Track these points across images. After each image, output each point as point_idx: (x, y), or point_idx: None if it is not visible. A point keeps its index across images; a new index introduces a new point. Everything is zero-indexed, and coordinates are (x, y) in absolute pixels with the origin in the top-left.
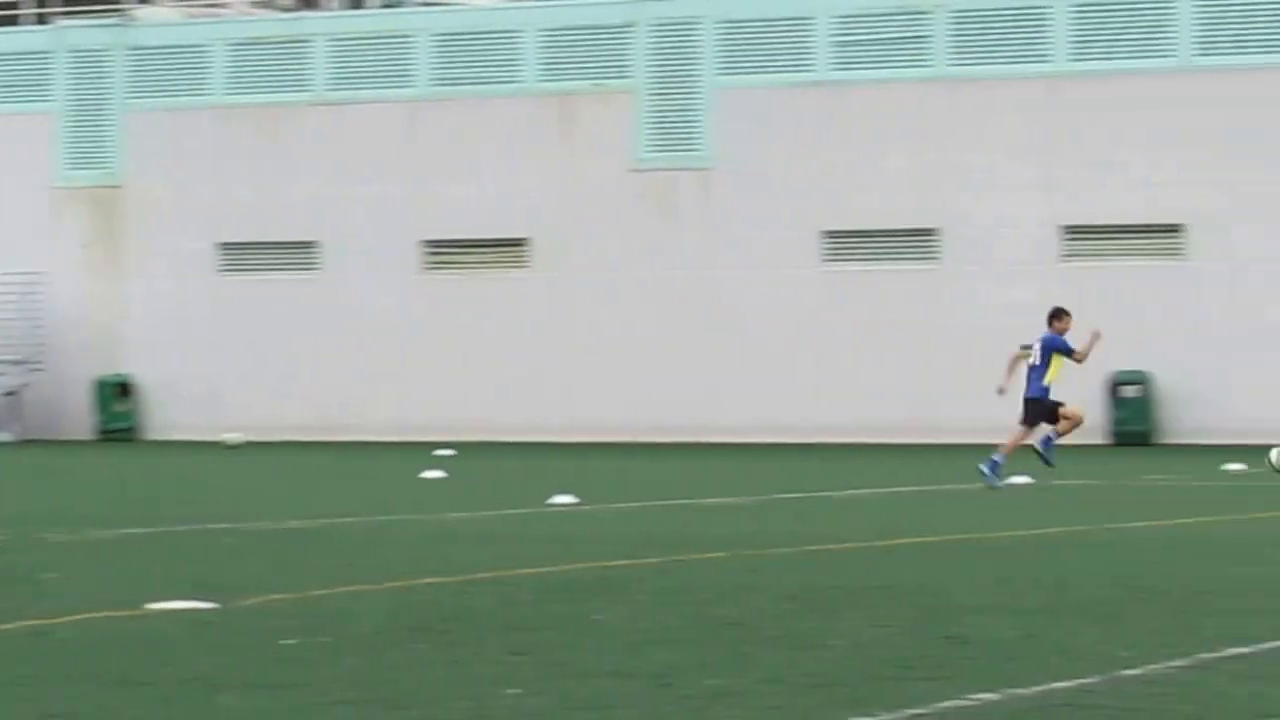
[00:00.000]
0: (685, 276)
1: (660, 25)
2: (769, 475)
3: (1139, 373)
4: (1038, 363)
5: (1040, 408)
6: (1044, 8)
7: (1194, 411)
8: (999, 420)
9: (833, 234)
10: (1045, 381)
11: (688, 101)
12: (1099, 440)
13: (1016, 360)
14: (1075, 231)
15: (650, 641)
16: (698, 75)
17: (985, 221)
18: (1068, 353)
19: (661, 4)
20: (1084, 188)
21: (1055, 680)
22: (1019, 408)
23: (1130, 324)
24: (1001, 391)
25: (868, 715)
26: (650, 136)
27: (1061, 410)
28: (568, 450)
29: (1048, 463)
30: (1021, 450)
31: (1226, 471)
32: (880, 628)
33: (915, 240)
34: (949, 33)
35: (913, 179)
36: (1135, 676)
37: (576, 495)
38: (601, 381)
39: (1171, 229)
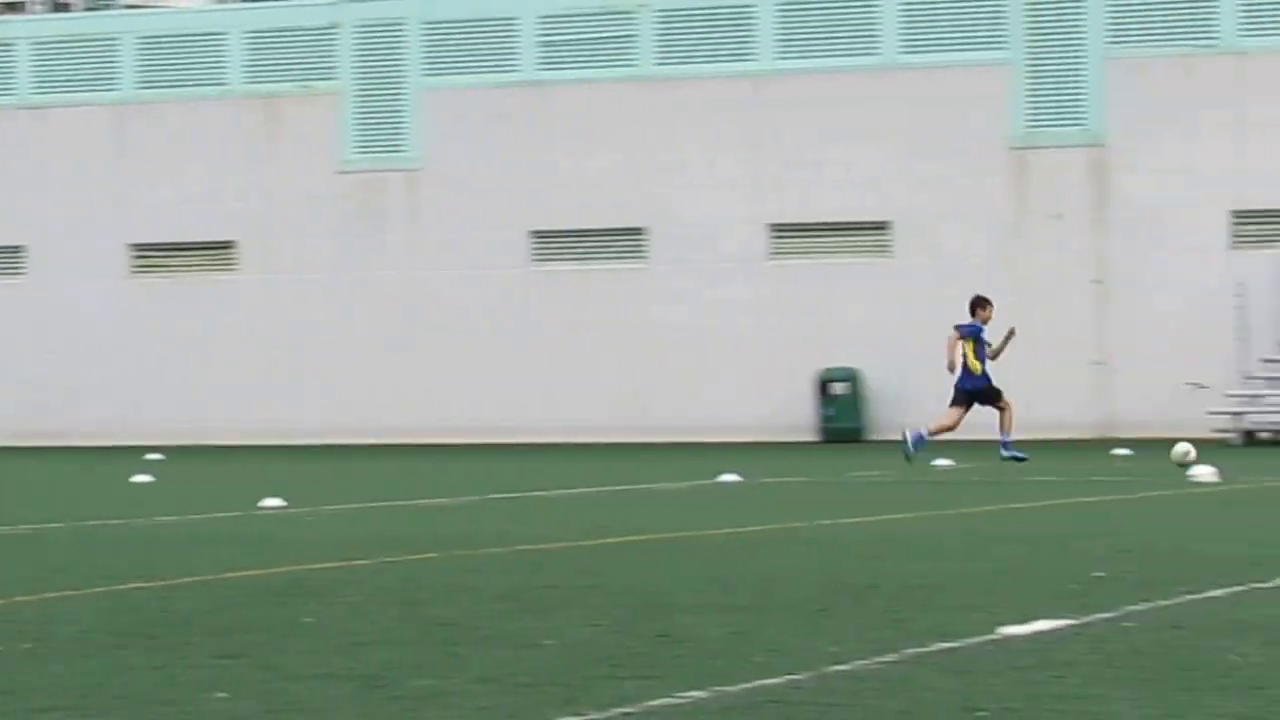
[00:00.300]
0: (394, 277)
1: (365, 26)
2: (481, 475)
3: (847, 370)
4: (965, 354)
5: (983, 394)
6: (749, 7)
7: (902, 408)
8: (708, 418)
9: (540, 234)
10: (975, 371)
11: (394, 102)
12: (809, 437)
13: (999, 350)
14: (783, 230)
15: (362, 643)
16: (404, 76)
17: (693, 220)
18: (973, 343)
19: (366, 5)
20: (791, 186)
21: (764, 677)
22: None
23: (838, 321)
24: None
25: (577, 714)
26: (357, 138)
27: (946, 416)
28: (278, 453)
29: (907, 456)
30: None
31: (935, 468)
32: (592, 627)
33: (623, 239)
34: (654, 33)
35: (620, 178)
36: (843, 672)
37: (286, 498)
38: (312, 384)
39: (878, 226)
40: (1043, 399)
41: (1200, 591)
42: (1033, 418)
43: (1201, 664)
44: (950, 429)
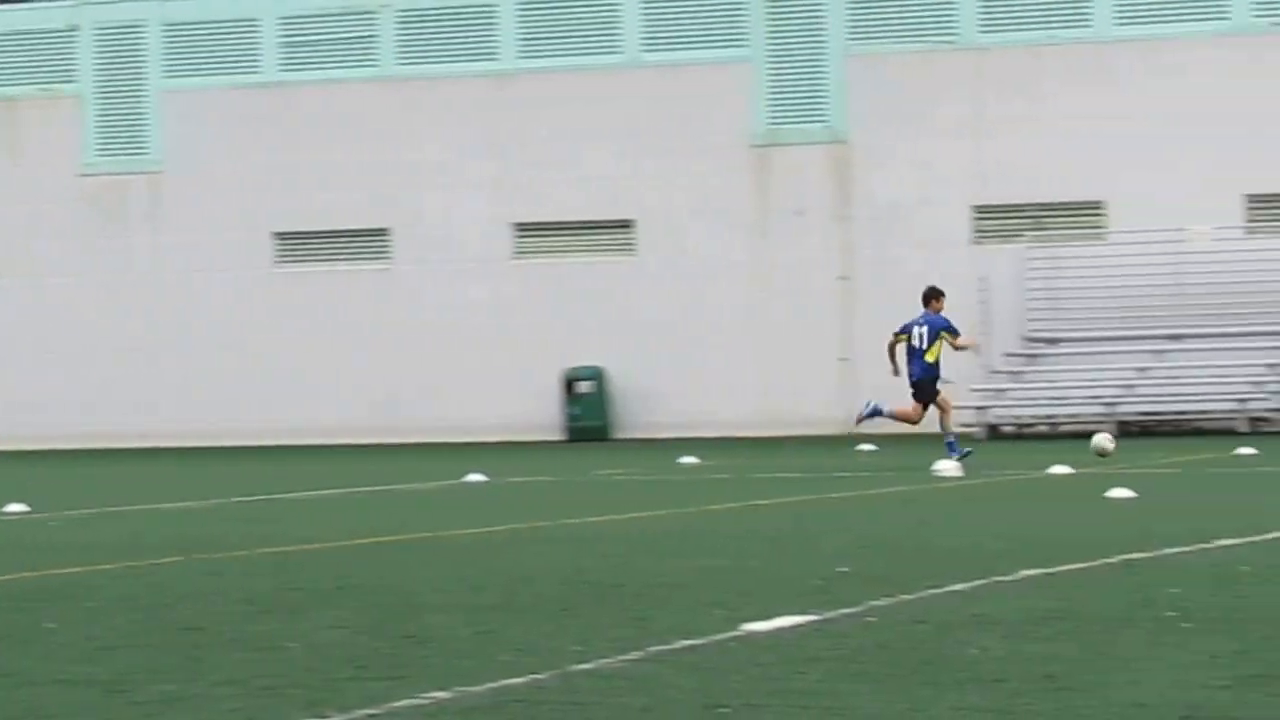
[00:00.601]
0: (137, 280)
1: (105, 28)
2: (228, 478)
3: (594, 368)
4: (923, 344)
5: (929, 386)
6: (490, 7)
7: (648, 406)
8: (455, 419)
9: (285, 235)
10: (930, 359)
11: (135, 105)
12: (555, 436)
13: (895, 345)
14: (527, 229)
15: (103, 648)
16: (144, 78)
17: (437, 220)
18: (954, 333)
19: (105, 7)
20: (535, 185)
21: (509, 677)
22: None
23: (584, 320)
24: (897, 374)
25: (320, 716)
26: (98, 140)
27: (938, 399)
28: (21, 458)
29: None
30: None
31: (680, 465)
32: (338, 628)
33: (368, 240)
34: (395, 33)
35: (364, 179)
36: (587, 671)
37: (29, 503)
38: (55, 388)
39: (622, 225)
40: (788, 395)
41: (942, 586)
42: (779, 414)
43: (943, 658)
44: (916, 421)
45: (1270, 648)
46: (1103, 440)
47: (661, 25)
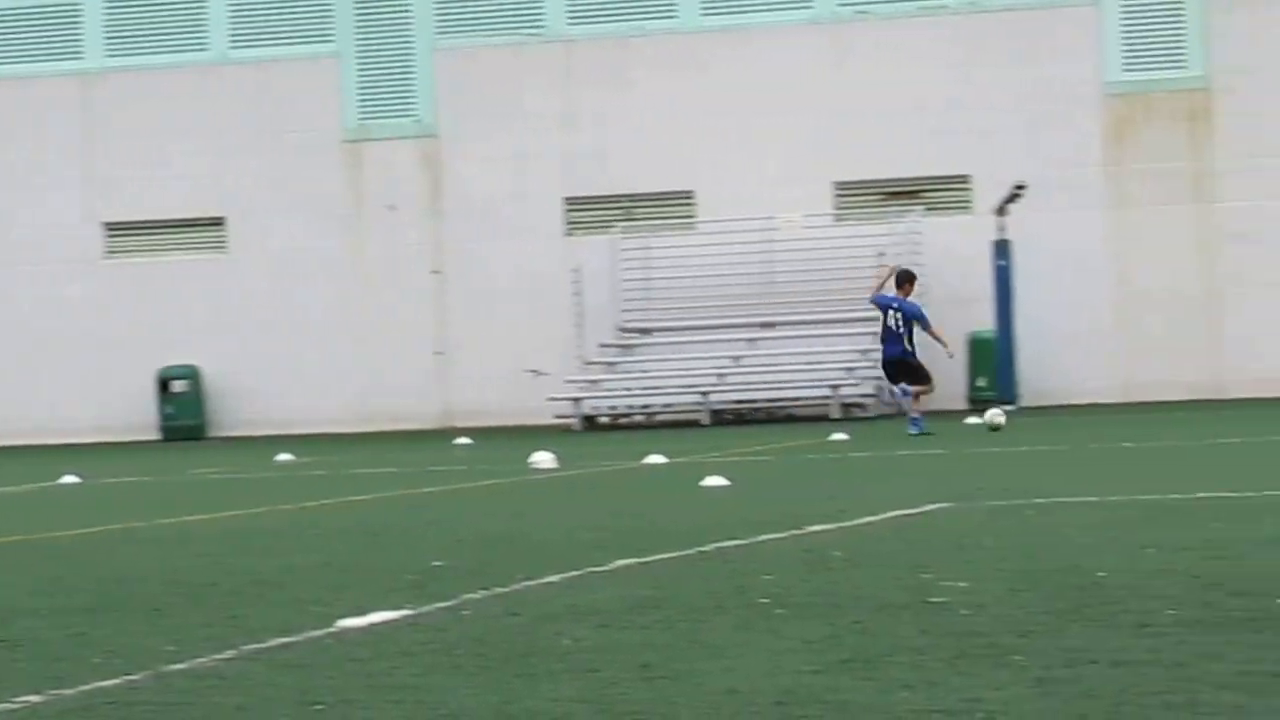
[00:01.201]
0: None
1: None
2: None
3: (188, 367)
4: (900, 328)
5: (906, 367)
6: (76, 5)
7: (244, 404)
8: (48, 420)
9: None
10: (908, 345)
11: None
12: (151, 436)
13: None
14: (117, 228)
15: None
16: None
17: (27, 221)
18: (925, 325)
19: None
20: (125, 184)
21: (102, 679)
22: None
23: (177, 319)
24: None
25: None
26: None
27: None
28: None
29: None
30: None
31: (277, 462)
32: None
33: None
34: None
35: None
36: (181, 671)
37: None
38: None
39: (213, 222)
40: (384, 390)
41: (537, 577)
42: (376, 409)
43: (538, 649)
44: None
45: (860, 631)
46: (995, 415)
47: (249, 21)
